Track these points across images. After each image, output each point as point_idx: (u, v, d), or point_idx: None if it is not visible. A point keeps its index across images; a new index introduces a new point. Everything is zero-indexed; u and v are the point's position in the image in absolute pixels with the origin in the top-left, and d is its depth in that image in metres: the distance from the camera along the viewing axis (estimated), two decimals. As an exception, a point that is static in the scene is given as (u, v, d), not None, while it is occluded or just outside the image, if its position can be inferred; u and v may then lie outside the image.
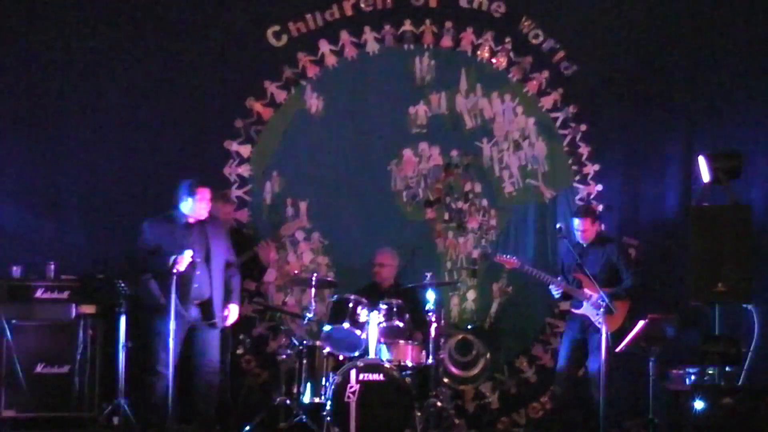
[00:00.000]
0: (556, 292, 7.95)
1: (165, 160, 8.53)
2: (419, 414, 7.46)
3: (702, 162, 7.79)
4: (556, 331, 8.58)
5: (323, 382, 7.63)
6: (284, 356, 7.79)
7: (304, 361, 7.69)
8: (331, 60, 8.74)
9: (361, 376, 7.34)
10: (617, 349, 7.42)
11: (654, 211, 8.68)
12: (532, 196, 8.74)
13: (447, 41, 8.76)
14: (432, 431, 7.65)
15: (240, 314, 8.36)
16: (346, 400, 7.30)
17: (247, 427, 7.65)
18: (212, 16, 8.68)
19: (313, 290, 7.97)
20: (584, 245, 7.98)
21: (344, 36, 8.74)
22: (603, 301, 7.49)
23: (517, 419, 8.63)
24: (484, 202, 8.76)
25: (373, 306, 7.76)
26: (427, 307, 7.82)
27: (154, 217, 7.62)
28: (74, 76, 8.58)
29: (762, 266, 7.95)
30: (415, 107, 8.75)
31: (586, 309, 7.82)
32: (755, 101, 8.62)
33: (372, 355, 7.64)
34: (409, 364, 7.70)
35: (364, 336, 7.69)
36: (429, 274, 8.02)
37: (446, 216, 8.76)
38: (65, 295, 7.98)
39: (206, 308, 7.56)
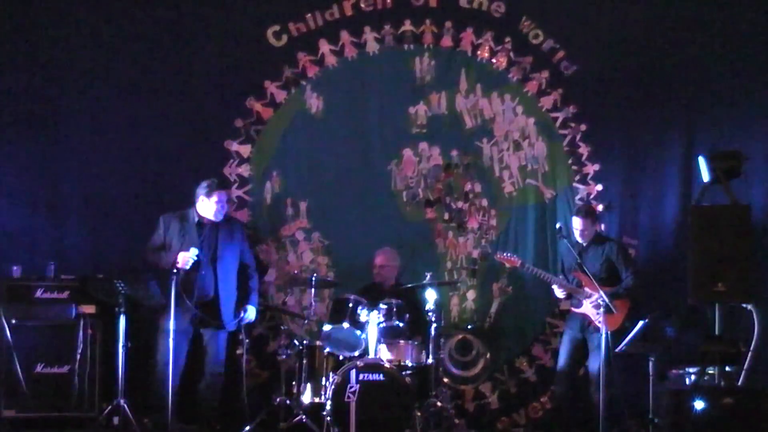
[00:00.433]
0: (560, 292, 7.95)
1: (165, 160, 8.53)
2: (419, 414, 7.46)
3: (702, 162, 7.78)
4: (556, 331, 8.58)
5: (323, 382, 7.64)
6: (284, 356, 7.80)
7: (304, 361, 7.71)
8: (331, 60, 8.75)
9: (361, 376, 7.34)
10: (617, 349, 7.42)
11: (654, 211, 8.69)
12: (532, 196, 8.74)
13: (447, 41, 8.76)
14: (432, 431, 7.65)
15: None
16: (346, 400, 7.30)
17: (247, 427, 7.65)
18: (212, 16, 8.68)
19: (313, 290, 7.97)
20: (583, 245, 7.98)
21: (344, 36, 8.74)
22: (603, 300, 7.50)
23: (517, 419, 8.63)
24: (484, 202, 8.76)
25: (373, 306, 7.76)
26: (427, 307, 7.82)
27: (170, 213, 7.74)
28: (74, 76, 8.58)
29: (762, 266, 7.95)
30: (415, 107, 8.76)
31: (586, 308, 7.82)
32: (755, 101, 8.62)
33: (372, 355, 7.64)
34: (409, 364, 7.70)
35: (364, 336, 7.69)
36: (429, 274, 8.02)
37: (446, 216, 8.76)
38: (65, 295, 7.97)
39: (211, 309, 7.57)
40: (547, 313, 8.65)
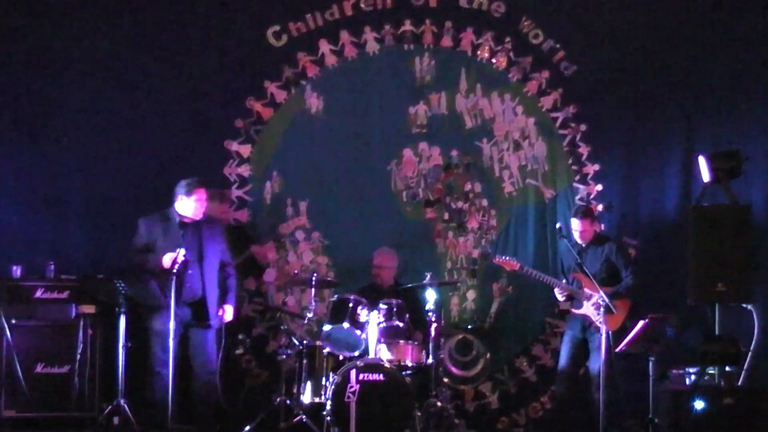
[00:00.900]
0: (560, 296, 7.95)
1: (165, 160, 8.53)
2: (419, 414, 7.46)
3: (702, 162, 7.78)
4: (556, 331, 8.58)
5: (323, 382, 7.63)
6: (284, 356, 7.80)
7: (304, 361, 7.70)
8: (331, 60, 8.75)
9: (361, 376, 7.33)
10: (617, 349, 7.42)
11: (654, 211, 8.69)
12: (532, 196, 8.74)
13: (447, 41, 8.76)
14: (432, 431, 7.65)
15: (240, 314, 8.40)
16: (346, 400, 7.30)
17: (247, 427, 7.65)
18: (212, 16, 8.68)
19: (313, 290, 7.97)
20: (583, 245, 7.98)
21: (344, 36, 8.74)
22: (603, 300, 7.49)
23: (517, 419, 8.63)
24: (484, 202, 8.76)
25: (373, 306, 7.76)
26: (427, 307, 7.82)
27: (149, 214, 7.62)
28: (74, 76, 8.57)
29: (762, 266, 7.95)
30: (415, 107, 8.76)
31: (586, 309, 7.82)
32: (755, 101, 8.62)
33: (372, 355, 7.64)
34: (409, 364, 7.70)
35: (364, 336, 7.69)
36: (429, 274, 8.02)
37: (446, 216, 8.76)
38: (65, 295, 7.97)
39: (199, 308, 7.55)
40: (547, 313, 8.65)
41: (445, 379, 8.15)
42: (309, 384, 7.68)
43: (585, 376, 8.03)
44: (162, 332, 7.31)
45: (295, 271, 8.37)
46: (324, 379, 7.65)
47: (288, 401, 7.67)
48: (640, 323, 7.30)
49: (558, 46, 8.72)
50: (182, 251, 7.27)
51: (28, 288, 7.96)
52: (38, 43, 8.54)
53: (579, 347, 7.96)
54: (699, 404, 7.10)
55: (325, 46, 8.74)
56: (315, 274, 8.05)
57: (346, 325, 7.68)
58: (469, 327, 8.52)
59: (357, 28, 8.74)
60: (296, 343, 7.81)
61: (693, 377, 7.65)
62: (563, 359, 8.02)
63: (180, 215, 7.55)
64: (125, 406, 7.43)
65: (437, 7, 8.73)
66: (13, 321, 7.79)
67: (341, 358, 7.71)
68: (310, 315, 7.91)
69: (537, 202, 8.74)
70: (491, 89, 8.76)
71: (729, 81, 8.63)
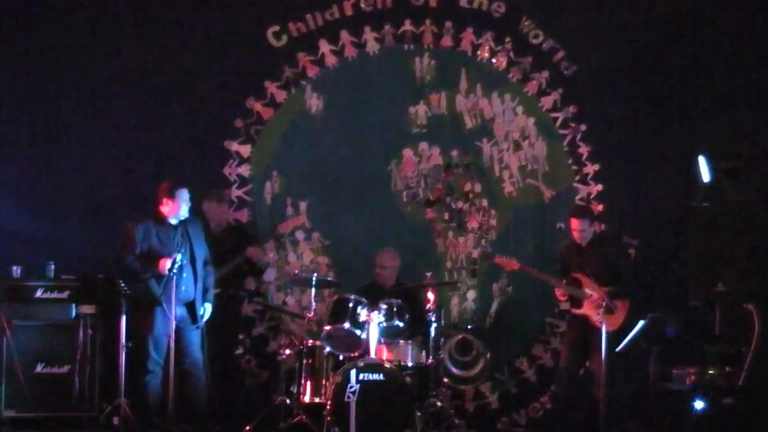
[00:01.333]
0: (560, 296, 7.95)
1: (165, 160, 8.53)
2: (419, 414, 7.46)
3: (702, 162, 7.79)
4: (556, 331, 8.58)
5: (323, 382, 7.63)
6: (284, 356, 7.80)
7: (304, 361, 7.70)
8: (331, 60, 8.75)
9: (361, 376, 7.33)
10: (617, 349, 7.42)
11: (654, 211, 8.68)
12: (532, 196, 8.74)
13: (447, 41, 8.76)
14: (432, 431, 7.65)
15: (240, 314, 8.41)
16: (346, 400, 7.30)
17: (247, 427, 7.65)
18: (212, 16, 8.68)
19: (313, 290, 7.97)
20: (582, 245, 7.98)
21: (344, 36, 8.74)
22: (603, 300, 7.49)
23: (517, 419, 8.64)
24: (484, 202, 8.76)
25: (373, 306, 7.75)
26: (427, 307, 7.82)
27: (137, 218, 7.51)
28: (74, 77, 8.58)
29: (762, 266, 7.95)
30: (415, 107, 8.76)
31: (586, 309, 7.82)
32: (755, 101, 8.61)
33: (372, 355, 7.63)
34: (409, 364, 7.70)
35: (364, 336, 7.69)
36: (429, 274, 8.02)
37: (446, 216, 8.76)
38: (65, 295, 7.98)
39: (191, 309, 7.53)
40: (547, 313, 8.65)
41: (445, 379, 8.14)
42: (309, 384, 7.68)
43: (585, 376, 8.03)
44: (156, 332, 7.30)
45: (295, 271, 8.37)
46: (324, 379, 7.65)
47: (288, 401, 7.66)
48: (640, 323, 7.30)
49: (558, 46, 8.72)
50: (179, 255, 7.26)
51: (28, 288, 7.97)
52: (38, 43, 8.54)
53: (579, 347, 7.95)
54: (699, 404, 7.10)
55: (325, 46, 8.74)
56: (315, 274, 8.05)
57: (346, 325, 7.68)
58: (469, 327, 8.52)
59: (357, 28, 8.75)
60: (296, 343, 7.81)
61: (693, 377, 7.64)
62: (563, 359, 8.02)
63: (167, 217, 7.49)
64: (125, 406, 7.43)
65: (437, 7, 8.73)
66: (13, 321, 7.79)
67: (341, 358, 7.71)
68: (310, 315, 7.91)
69: (537, 202, 8.74)
70: (491, 89, 8.76)
71: (729, 81, 8.62)
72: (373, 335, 7.68)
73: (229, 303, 8.21)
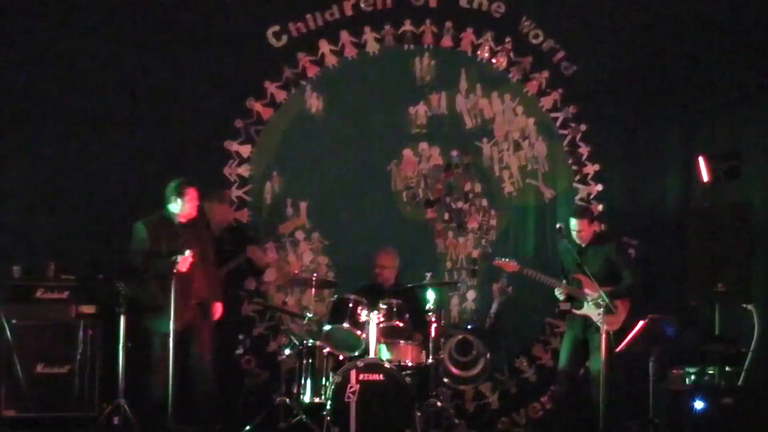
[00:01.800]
0: (560, 296, 7.95)
1: (165, 160, 8.52)
2: (419, 414, 7.46)
3: (702, 162, 7.80)
4: (556, 331, 8.58)
5: (323, 382, 7.64)
6: (284, 356, 7.80)
7: (304, 361, 7.70)
8: (331, 60, 8.75)
9: (361, 376, 7.34)
10: (617, 349, 7.42)
11: (654, 211, 8.69)
12: (532, 196, 8.74)
13: (447, 41, 8.77)
14: (432, 431, 7.65)
15: (240, 314, 8.40)
16: (346, 400, 7.30)
17: (247, 427, 7.65)
18: (212, 16, 8.68)
19: (313, 290, 7.97)
20: (582, 245, 7.97)
21: (344, 36, 8.74)
22: (603, 300, 7.50)
23: (517, 419, 8.64)
24: (484, 202, 8.76)
25: (373, 306, 7.75)
26: (427, 307, 7.82)
27: (148, 218, 7.56)
28: (74, 77, 8.57)
29: (762, 266, 7.95)
30: (415, 107, 8.76)
31: (586, 309, 7.82)
32: (754, 101, 8.62)
33: (372, 355, 7.64)
34: (409, 364, 7.70)
35: (364, 336, 7.69)
36: (429, 274, 8.02)
37: (446, 216, 8.76)
38: (65, 295, 7.97)
39: (204, 307, 7.56)
40: (547, 313, 8.65)
41: (445, 379, 8.14)
42: (309, 384, 7.68)
43: (585, 376, 8.03)
44: (163, 332, 7.30)
45: (295, 271, 8.37)
46: (324, 379, 7.65)
47: (288, 401, 7.66)
48: (640, 323, 7.30)
49: (558, 46, 8.73)
50: (190, 253, 7.27)
51: (28, 288, 7.96)
52: (38, 43, 8.54)
53: (579, 347, 7.95)
54: (699, 404, 7.10)
55: (325, 46, 8.74)
56: (315, 274, 8.06)
57: (346, 325, 7.68)
58: (469, 327, 8.52)
59: (357, 28, 8.74)
60: (296, 343, 7.81)
61: (693, 377, 7.64)
62: (563, 359, 8.02)
63: (176, 216, 7.52)
64: (125, 406, 7.43)
65: (437, 7, 8.73)
66: (13, 321, 7.78)
67: (341, 358, 7.71)
68: (310, 315, 7.91)
69: (537, 202, 8.74)
70: (491, 89, 8.76)
71: (729, 81, 8.62)
72: (372, 335, 7.69)
73: (229, 303, 8.20)
